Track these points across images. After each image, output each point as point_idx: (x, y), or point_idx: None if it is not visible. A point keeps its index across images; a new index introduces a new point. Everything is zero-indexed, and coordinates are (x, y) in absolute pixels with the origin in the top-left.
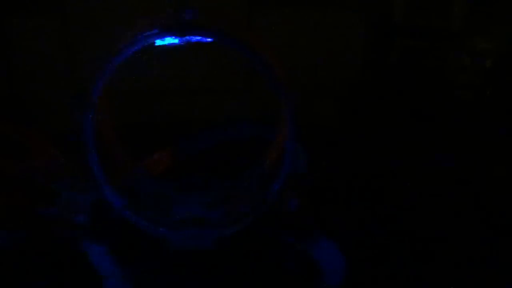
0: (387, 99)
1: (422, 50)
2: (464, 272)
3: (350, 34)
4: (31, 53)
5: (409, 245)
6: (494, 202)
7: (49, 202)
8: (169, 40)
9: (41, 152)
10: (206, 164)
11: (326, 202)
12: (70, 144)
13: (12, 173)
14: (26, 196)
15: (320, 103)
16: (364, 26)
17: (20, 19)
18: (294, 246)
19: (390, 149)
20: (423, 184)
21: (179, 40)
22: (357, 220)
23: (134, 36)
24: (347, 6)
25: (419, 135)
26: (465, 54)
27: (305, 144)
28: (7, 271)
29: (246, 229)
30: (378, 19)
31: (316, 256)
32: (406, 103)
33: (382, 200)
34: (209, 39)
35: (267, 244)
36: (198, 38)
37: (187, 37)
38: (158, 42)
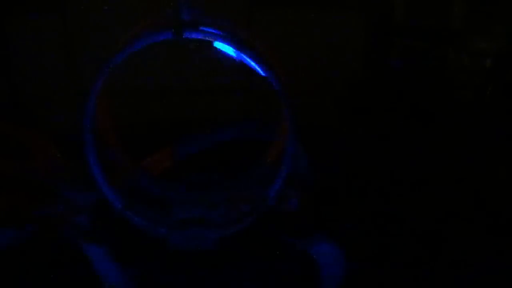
0: (387, 99)
1: (422, 50)
2: (464, 272)
3: (350, 34)
4: (31, 53)
5: (409, 245)
6: (495, 202)
7: (49, 202)
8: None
9: (41, 152)
10: (206, 164)
11: (326, 202)
12: (70, 144)
13: (12, 173)
14: (26, 196)
15: (320, 103)
16: (364, 26)
17: (20, 19)
18: (294, 246)
19: (390, 149)
20: (423, 184)
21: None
22: (357, 220)
23: (134, 36)
24: (347, 6)
25: (419, 135)
26: (465, 54)
27: (305, 144)
28: (7, 271)
29: (246, 229)
30: (378, 19)
31: (316, 256)
32: (406, 103)
33: (382, 200)
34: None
35: (267, 244)
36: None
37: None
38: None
